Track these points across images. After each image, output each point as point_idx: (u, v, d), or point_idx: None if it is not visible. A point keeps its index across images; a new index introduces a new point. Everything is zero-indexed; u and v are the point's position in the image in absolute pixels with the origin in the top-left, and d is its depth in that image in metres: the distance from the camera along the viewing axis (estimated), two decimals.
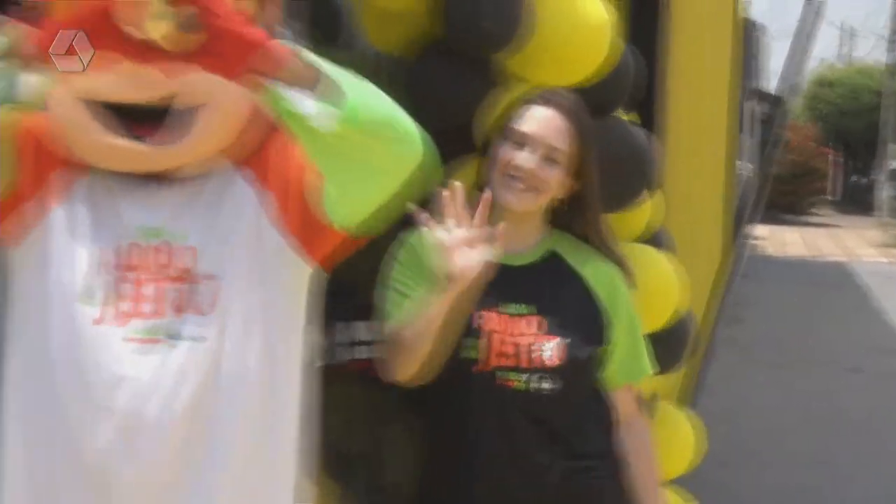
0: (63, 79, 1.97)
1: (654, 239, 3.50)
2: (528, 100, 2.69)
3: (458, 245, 2.36)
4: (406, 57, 3.13)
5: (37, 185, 2.09)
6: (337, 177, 2.03)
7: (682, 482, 3.61)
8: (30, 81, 1.99)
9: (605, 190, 3.16)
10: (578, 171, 2.68)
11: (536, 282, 2.68)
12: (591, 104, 3.12)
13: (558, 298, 2.70)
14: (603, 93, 3.29)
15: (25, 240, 2.07)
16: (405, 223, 2.40)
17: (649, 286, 3.34)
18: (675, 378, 3.60)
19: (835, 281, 16.67)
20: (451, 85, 2.88)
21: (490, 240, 2.36)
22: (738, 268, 5.41)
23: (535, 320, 2.63)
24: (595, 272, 2.74)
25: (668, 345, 3.44)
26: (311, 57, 1.94)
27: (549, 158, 2.63)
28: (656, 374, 3.25)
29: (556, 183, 2.62)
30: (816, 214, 30.83)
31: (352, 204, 2.05)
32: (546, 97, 2.71)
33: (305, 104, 1.95)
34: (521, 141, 2.61)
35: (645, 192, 3.37)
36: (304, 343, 2.10)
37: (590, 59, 3.26)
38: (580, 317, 2.71)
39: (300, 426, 2.07)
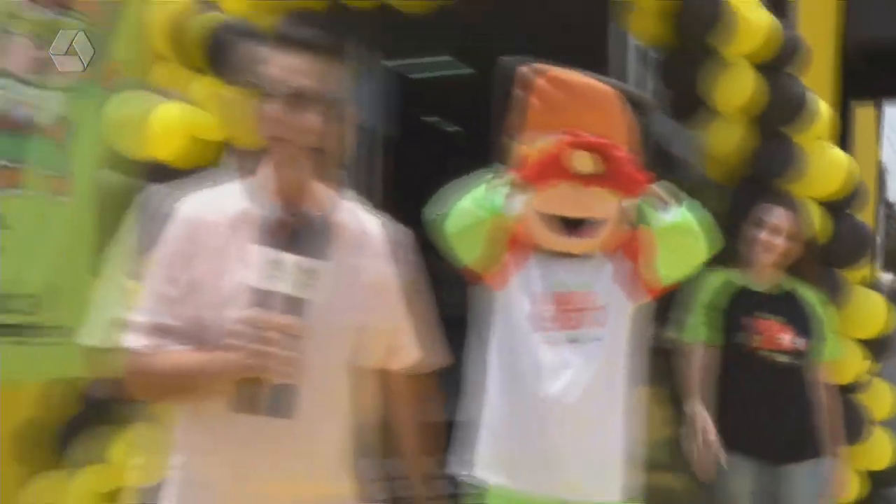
0: (533, 196, 2.17)
1: (872, 285, 3.97)
2: (772, 202, 3.02)
3: None
4: (728, 185, 3.52)
5: (512, 258, 2.25)
6: (667, 256, 2.20)
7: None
8: (517, 199, 2.17)
9: (834, 255, 3.48)
10: (802, 243, 2.98)
11: (782, 301, 2.97)
12: (832, 207, 3.53)
13: (795, 310, 2.98)
14: (840, 200, 3.59)
15: (503, 287, 2.25)
16: None
17: (868, 311, 3.69)
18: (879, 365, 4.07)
19: None
20: (754, 203, 3.13)
21: None
22: None
23: (782, 323, 2.91)
24: (814, 297, 3.06)
25: (879, 345, 3.79)
26: (668, 189, 2.17)
27: (784, 237, 2.94)
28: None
29: (789, 251, 2.95)
30: None
31: (672, 272, 2.25)
32: (783, 202, 3.06)
33: (661, 213, 2.15)
34: (769, 228, 2.95)
35: (864, 259, 3.71)
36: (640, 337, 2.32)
37: (834, 182, 3.59)
38: (808, 321, 2.98)
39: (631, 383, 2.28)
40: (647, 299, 2.30)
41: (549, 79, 2.19)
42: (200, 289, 1.63)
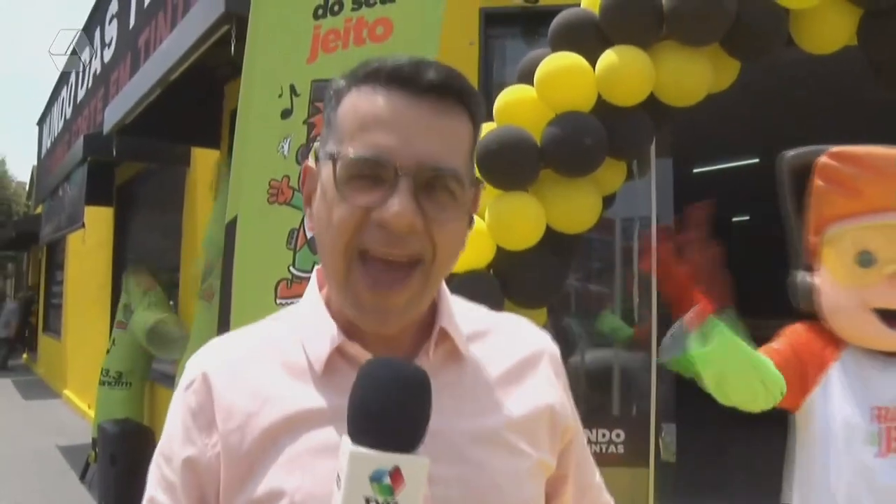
0: (859, 294, 1.93)
1: None
2: None
3: None
4: None
5: (816, 369, 1.98)
6: None
7: None
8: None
9: None
10: None
11: None
12: None
13: None
14: None
15: (796, 409, 2.02)
16: None
17: None
18: None
19: None
20: None
21: None
22: None
23: None
24: None
25: None
26: None
27: None
28: None
29: None
30: None
31: None
32: None
33: None
34: None
35: None
36: None
37: None
38: None
39: None
40: None
41: (845, 158, 1.92)
42: None
